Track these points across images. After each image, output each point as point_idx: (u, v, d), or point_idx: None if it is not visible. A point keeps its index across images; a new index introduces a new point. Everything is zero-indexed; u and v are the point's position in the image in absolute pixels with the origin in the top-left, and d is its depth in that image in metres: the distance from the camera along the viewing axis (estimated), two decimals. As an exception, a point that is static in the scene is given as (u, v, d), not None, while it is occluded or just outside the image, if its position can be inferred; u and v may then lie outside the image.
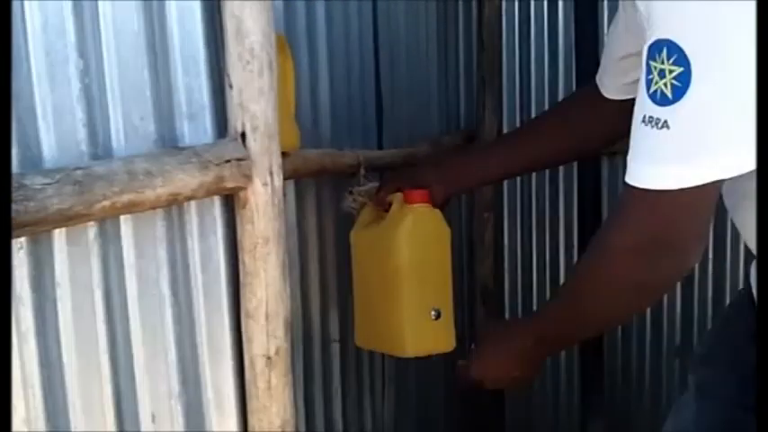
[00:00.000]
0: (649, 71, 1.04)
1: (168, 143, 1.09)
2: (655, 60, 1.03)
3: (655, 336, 3.13)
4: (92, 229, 1.02)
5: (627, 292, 1.22)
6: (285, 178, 1.24)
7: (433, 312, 1.64)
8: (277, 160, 1.16)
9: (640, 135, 1.07)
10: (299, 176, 1.54)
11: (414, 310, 1.62)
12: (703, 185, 1.04)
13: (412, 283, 1.62)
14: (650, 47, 1.04)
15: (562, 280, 3.15)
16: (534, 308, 3.20)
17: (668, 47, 1.02)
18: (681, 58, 1.01)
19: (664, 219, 1.10)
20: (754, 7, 0.97)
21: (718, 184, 1.07)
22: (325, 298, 1.75)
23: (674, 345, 3.13)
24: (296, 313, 1.59)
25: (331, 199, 1.76)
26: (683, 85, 1.01)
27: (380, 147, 2.11)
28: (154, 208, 1.03)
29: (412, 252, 1.62)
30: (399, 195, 1.65)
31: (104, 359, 1.05)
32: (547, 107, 2.98)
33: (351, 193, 1.72)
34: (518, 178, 3.14)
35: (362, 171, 1.74)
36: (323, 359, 1.75)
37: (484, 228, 2.94)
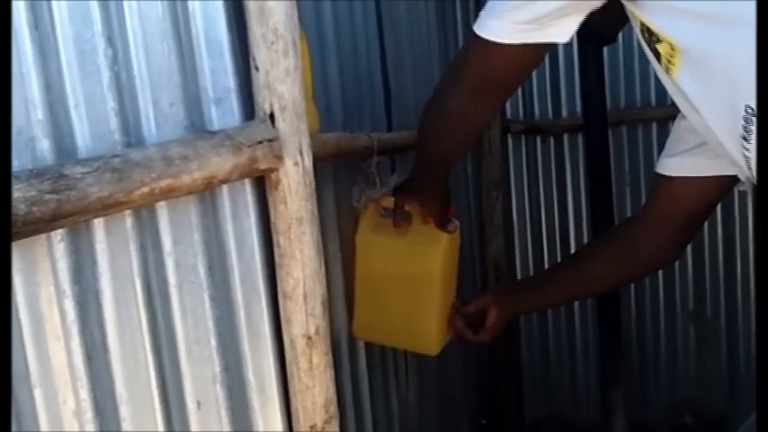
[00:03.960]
0: None
1: (198, 128, 1.09)
2: None
3: (668, 302, 3.14)
4: (129, 219, 1.02)
5: (446, 116, 1.51)
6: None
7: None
8: (306, 140, 1.16)
9: None
10: (317, 160, 1.54)
11: (442, 314, 1.81)
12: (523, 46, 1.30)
13: (442, 291, 1.79)
14: None
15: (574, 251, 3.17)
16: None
17: None
18: None
19: (485, 64, 1.38)
20: None
21: (536, 51, 1.33)
22: (347, 281, 1.75)
23: (688, 310, 3.15)
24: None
25: (347, 183, 1.77)
26: None
27: (390, 129, 2.12)
28: (190, 192, 1.02)
29: (444, 263, 1.78)
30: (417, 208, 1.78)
31: (148, 348, 1.05)
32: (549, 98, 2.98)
33: (362, 194, 1.77)
34: (523, 152, 3.15)
35: (375, 157, 1.76)
36: (349, 342, 1.75)
37: (493, 206, 2.95)
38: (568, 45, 2.91)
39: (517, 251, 3.21)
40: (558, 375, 3.28)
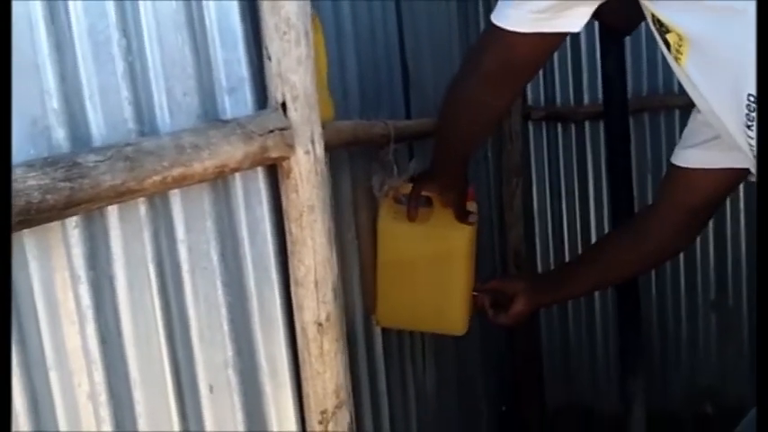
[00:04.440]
0: None
1: (211, 117, 1.11)
2: None
3: (689, 290, 3.13)
4: (142, 206, 1.04)
5: (465, 102, 1.56)
6: (322, 148, 1.26)
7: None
8: (317, 129, 1.17)
9: None
10: (332, 148, 1.55)
11: (467, 293, 1.86)
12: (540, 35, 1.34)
13: (468, 270, 1.84)
14: None
15: (595, 239, 3.17)
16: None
17: None
18: None
19: (502, 52, 1.41)
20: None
21: (550, 40, 1.37)
22: (362, 268, 1.77)
23: (710, 299, 3.13)
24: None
25: (364, 170, 1.78)
26: None
27: (408, 117, 2.13)
28: (202, 181, 1.04)
29: (469, 244, 1.83)
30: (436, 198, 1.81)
31: (161, 332, 1.07)
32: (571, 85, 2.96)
33: (383, 182, 1.79)
34: (544, 139, 3.15)
35: (392, 145, 1.77)
36: (365, 329, 1.77)
37: (513, 193, 2.95)
38: (591, 31, 2.91)
39: (537, 239, 3.21)
40: (578, 362, 3.28)
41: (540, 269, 3.23)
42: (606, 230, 3.12)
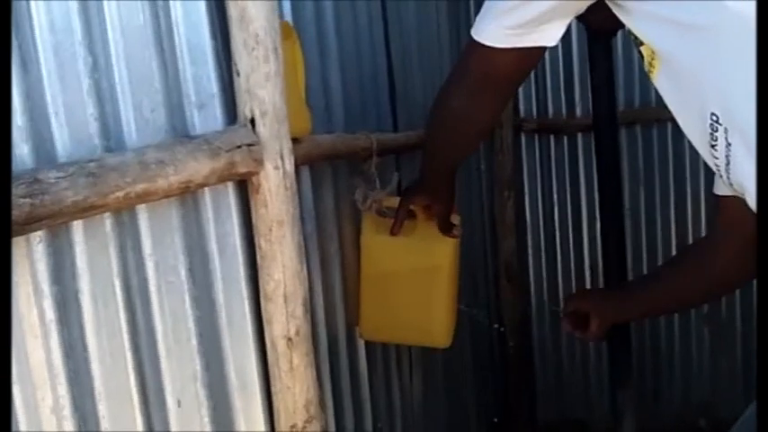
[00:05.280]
0: None
1: (180, 133, 1.11)
2: None
3: (682, 305, 3.10)
4: (108, 221, 1.04)
5: (450, 115, 1.56)
6: (299, 164, 1.27)
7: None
8: (287, 144, 1.17)
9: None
10: (312, 161, 1.56)
11: (452, 305, 1.88)
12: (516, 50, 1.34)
13: (452, 283, 1.86)
14: None
15: (587, 254, 3.15)
16: (560, 284, 3.21)
17: None
18: None
19: (482, 66, 1.42)
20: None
21: (528, 54, 1.36)
22: (345, 280, 1.77)
23: (702, 312, 3.11)
24: (318, 297, 1.60)
25: (347, 183, 1.78)
26: None
27: (396, 129, 2.13)
28: (167, 196, 1.04)
29: (453, 256, 1.84)
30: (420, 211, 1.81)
31: (127, 346, 1.07)
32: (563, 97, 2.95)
33: (366, 196, 1.79)
34: (536, 151, 3.13)
35: (375, 158, 1.78)
36: (348, 341, 1.77)
37: (505, 206, 2.94)
38: (583, 41, 2.90)
39: (530, 251, 3.20)
40: (570, 376, 3.27)
41: (532, 282, 3.22)
42: (599, 243, 3.09)
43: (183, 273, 1.13)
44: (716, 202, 1.58)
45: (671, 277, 1.79)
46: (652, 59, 1.24)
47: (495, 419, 3.09)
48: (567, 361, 3.26)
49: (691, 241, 3.02)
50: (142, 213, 1.08)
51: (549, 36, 1.32)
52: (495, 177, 2.95)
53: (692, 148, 2.96)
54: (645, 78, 2.98)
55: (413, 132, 2.14)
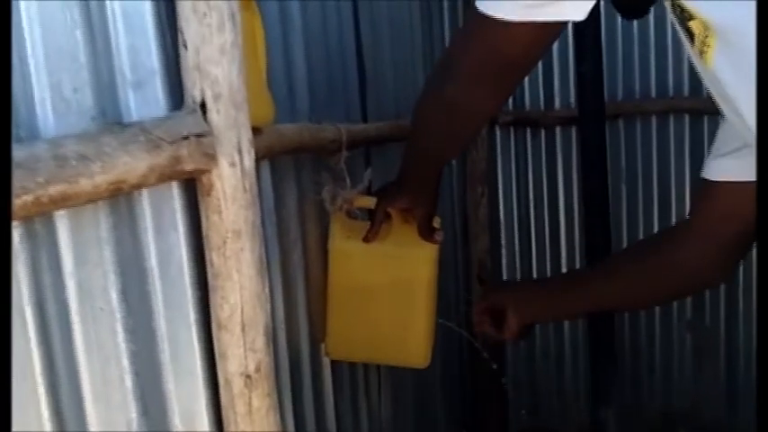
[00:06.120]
0: None
1: (110, 119, 0.88)
2: None
3: (664, 310, 2.99)
4: (16, 231, 0.81)
5: (446, 106, 1.34)
6: (259, 158, 1.04)
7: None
8: (246, 134, 0.95)
9: None
10: (274, 155, 1.35)
11: (431, 322, 1.68)
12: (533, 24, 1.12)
13: (431, 296, 1.66)
14: None
15: (564, 253, 3.02)
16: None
17: None
18: None
19: (491, 44, 1.20)
20: None
21: (547, 30, 1.15)
22: (310, 294, 1.56)
23: (685, 318, 3.00)
24: (279, 314, 1.39)
25: (313, 180, 1.57)
26: None
27: (365, 120, 1.93)
28: (92, 200, 0.82)
29: (433, 267, 1.65)
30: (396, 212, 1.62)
31: (42, 391, 0.85)
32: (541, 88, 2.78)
33: (335, 195, 1.59)
34: (511, 146, 2.99)
35: (345, 152, 1.57)
36: (312, 363, 1.56)
37: (478, 203, 2.78)
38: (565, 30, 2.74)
39: (504, 250, 3.05)
40: (545, 385, 3.11)
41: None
42: (577, 242, 2.95)
43: (114, 297, 0.90)
44: (703, 186, 1.42)
45: (622, 272, 1.59)
46: (705, 37, 1.03)
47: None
48: (541, 369, 3.11)
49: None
50: (61, 222, 0.85)
51: (579, 7, 1.10)
52: (467, 172, 2.77)
53: (677, 141, 2.81)
54: (629, 69, 2.87)
55: (383, 123, 1.94)
